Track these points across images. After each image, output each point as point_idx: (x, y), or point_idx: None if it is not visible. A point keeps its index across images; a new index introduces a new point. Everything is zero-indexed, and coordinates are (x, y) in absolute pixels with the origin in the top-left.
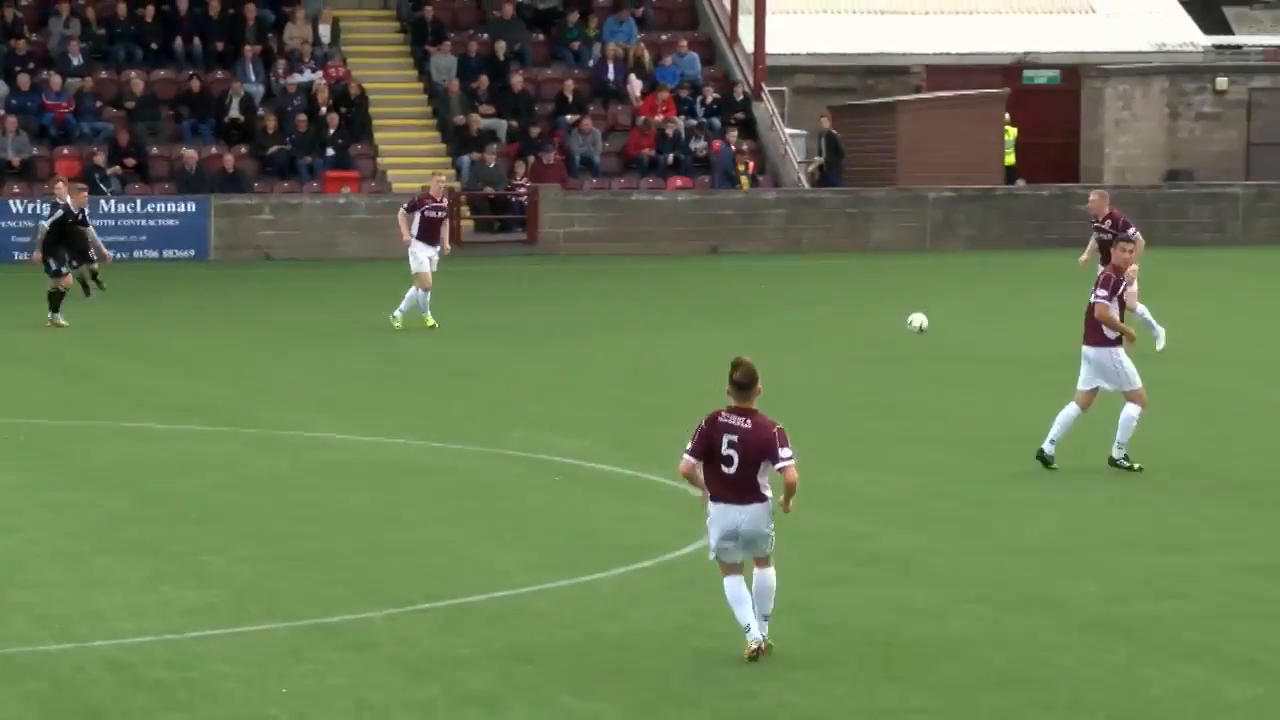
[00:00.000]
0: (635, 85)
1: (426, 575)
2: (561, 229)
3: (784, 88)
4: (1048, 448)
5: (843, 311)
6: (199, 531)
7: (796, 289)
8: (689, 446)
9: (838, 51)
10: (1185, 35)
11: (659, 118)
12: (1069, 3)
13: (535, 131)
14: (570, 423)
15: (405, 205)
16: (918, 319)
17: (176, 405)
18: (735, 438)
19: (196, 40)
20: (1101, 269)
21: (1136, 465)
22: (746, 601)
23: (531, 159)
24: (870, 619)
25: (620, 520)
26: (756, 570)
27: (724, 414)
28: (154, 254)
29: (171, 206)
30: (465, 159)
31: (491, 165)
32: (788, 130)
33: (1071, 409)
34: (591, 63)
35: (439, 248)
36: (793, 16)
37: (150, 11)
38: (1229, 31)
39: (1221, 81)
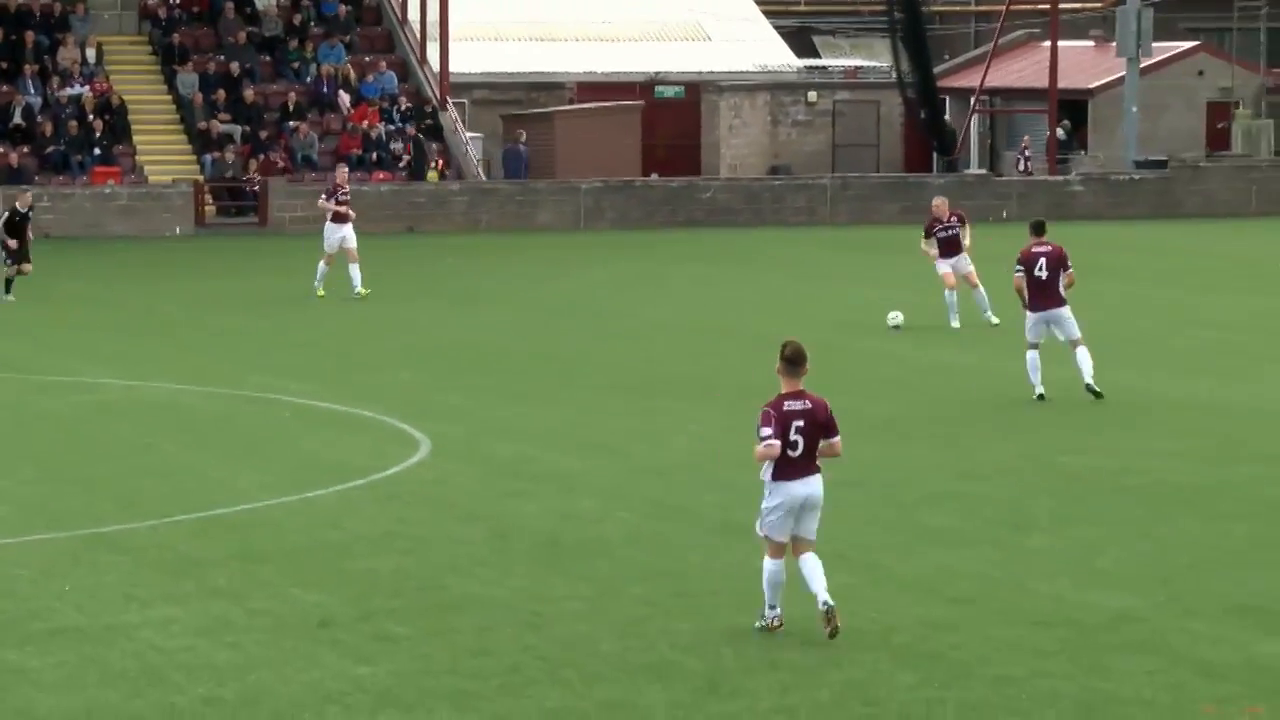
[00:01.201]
0: (345, 98)
1: (180, 493)
2: (287, 213)
3: (464, 100)
4: (1039, 389)
5: (513, 278)
6: None
7: (477, 262)
8: (768, 432)
9: (507, 71)
10: (783, 58)
11: (364, 124)
12: (691, 32)
13: (264, 135)
14: (297, 370)
15: (324, 194)
16: (895, 316)
17: None
18: (801, 422)
19: None
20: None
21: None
22: (781, 585)
23: (262, 157)
24: (540, 525)
25: (337, 447)
26: (806, 556)
27: (786, 401)
28: None
29: None
30: (208, 157)
31: (230, 162)
32: (468, 134)
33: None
34: (309, 79)
35: (349, 225)
36: (471, 43)
37: None
38: (818, 55)
39: (812, 95)
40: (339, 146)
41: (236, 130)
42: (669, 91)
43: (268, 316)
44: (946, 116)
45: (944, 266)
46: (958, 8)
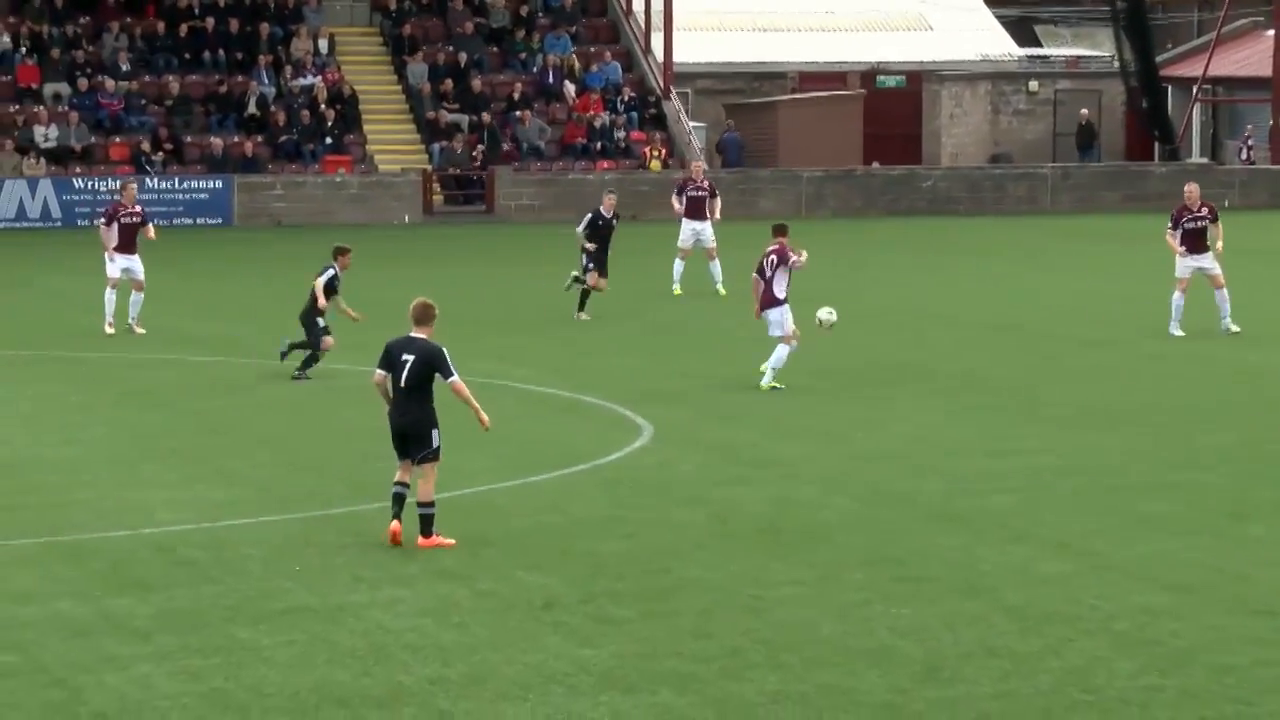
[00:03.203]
0: (570, 87)
1: None
2: (513, 201)
3: (688, 89)
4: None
5: (733, 264)
6: (225, 442)
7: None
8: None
9: (730, 60)
10: (1004, 48)
11: (589, 113)
12: (911, 22)
13: (491, 124)
14: (522, 356)
15: (674, 190)
16: (824, 313)
17: (206, 341)
18: None
19: (221, 51)
20: None
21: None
22: None
23: (488, 145)
24: (760, 510)
25: (559, 432)
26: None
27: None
28: (189, 221)
29: (202, 184)
30: (436, 146)
31: (458, 151)
32: (691, 123)
33: None
34: (535, 70)
35: (704, 222)
36: (695, 33)
37: (184, 29)
38: (1039, 44)
39: (1033, 84)
40: (564, 135)
41: (464, 120)
42: (890, 81)
43: (495, 303)
44: (1169, 106)
45: (1184, 269)
46: None
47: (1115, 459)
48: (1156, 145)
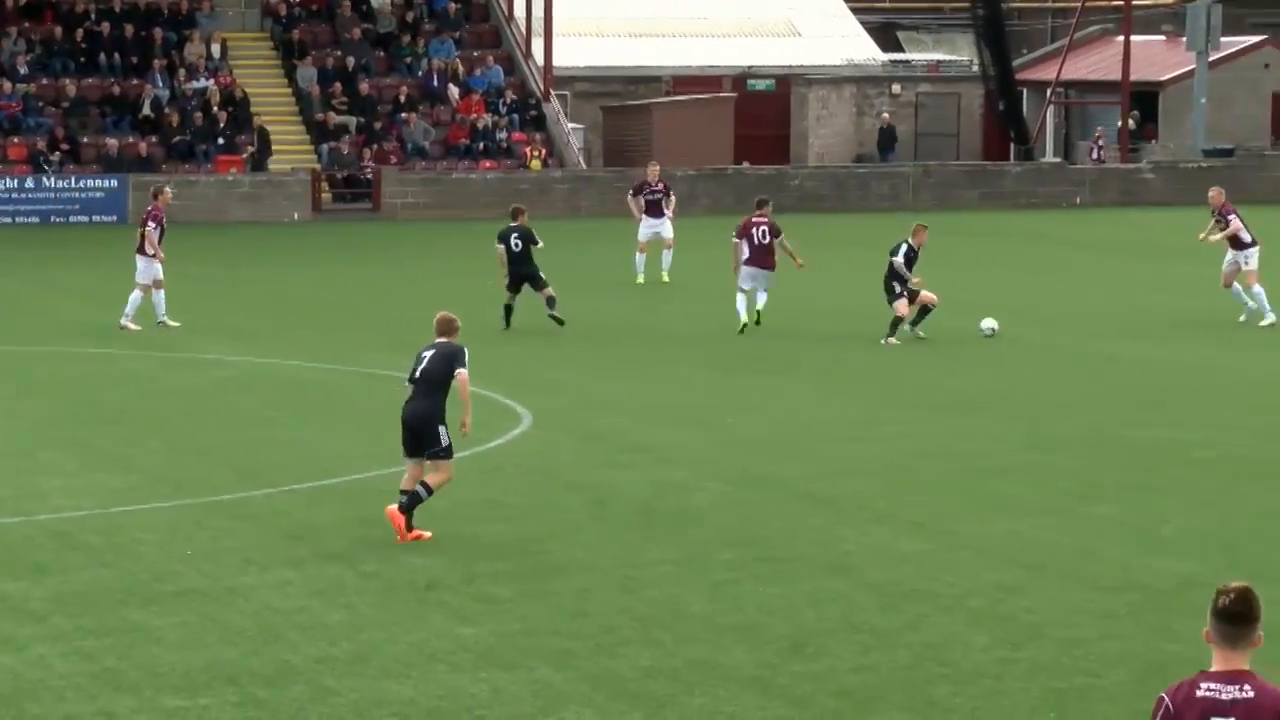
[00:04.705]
0: (454, 91)
1: (296, 463)
2: (399, 200)
3: (567, 92)
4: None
5: (612, 261)
6: (120, 431)
7: (577, 247)
8: None
9: (608, 64)
10: (869, 52)
11: (472, 115)
12: (781, 28)
13: (378, 126)
14: (409, 346)
15: (631, 190)
16: (988, 323)
17: (102, 334)
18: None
19: (116, 55)
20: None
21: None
22: None
23: (375, 146)
24: (635, 494)
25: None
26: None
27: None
28: (85, 219)
29: (98, 183)
30: (325, 147)
31: (345, 152)
32: (569, 124)
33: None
34: (420, 73)
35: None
36: (574, 38)
37: (80, 33)
38: (902, 50)
39: (896, 88)
40: (448, 136)
41: (352, 121)
42: (760, 84)
43: (382, 297)
44: (1024, 108)
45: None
46: (1035, 4)
47: (972, 444)
48: (1012, 145)
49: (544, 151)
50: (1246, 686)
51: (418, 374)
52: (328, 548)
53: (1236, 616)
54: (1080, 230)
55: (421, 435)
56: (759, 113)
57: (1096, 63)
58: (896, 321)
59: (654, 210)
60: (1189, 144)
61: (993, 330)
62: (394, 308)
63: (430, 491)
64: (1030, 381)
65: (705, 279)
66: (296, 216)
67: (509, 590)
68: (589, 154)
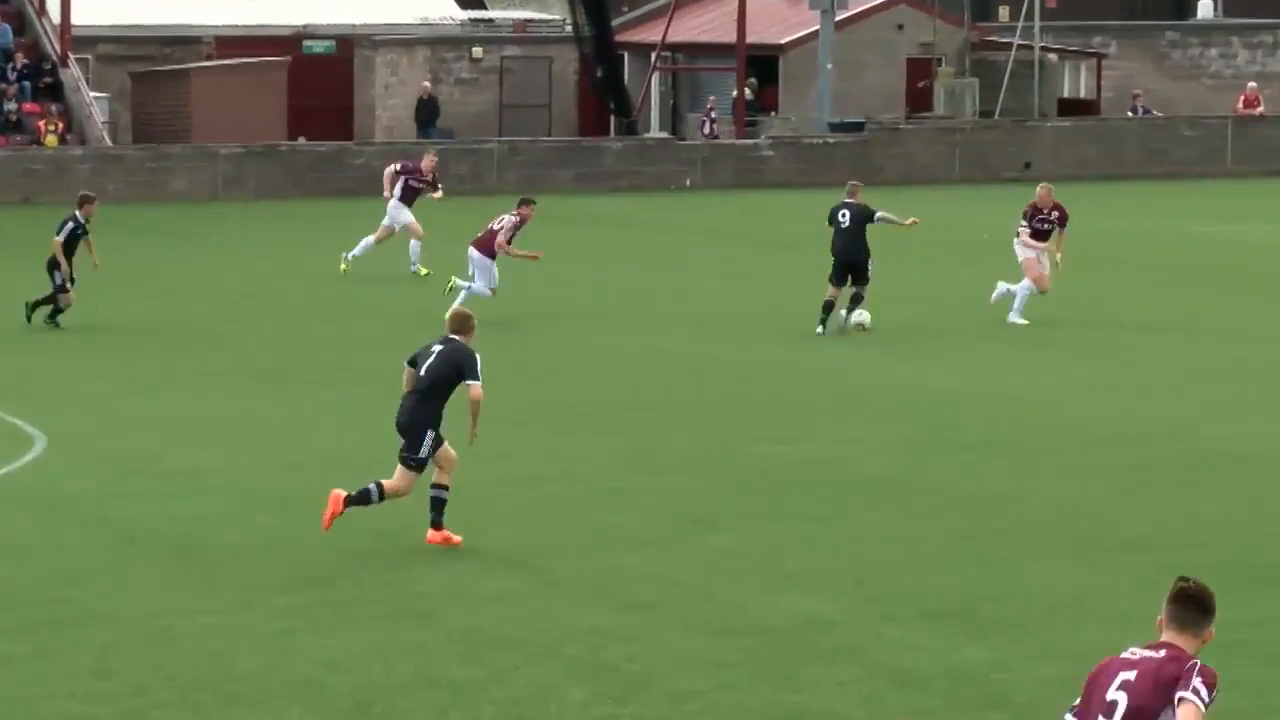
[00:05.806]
0: None
1: None
2: None
3: (88, 55)
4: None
5: (144, 255)
6: None
7: (103, 237)
8: None
9: (138, 23)
10: (445, 10)
11: None
12: None
13: None
14: None
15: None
16: (859, 317)
17: None
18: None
19: None
20: None
21: None
22: None
23: None
24: (169, 529)
25: None
26: None
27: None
28: None
29: None
30: None
31: None
32: (92, 93)
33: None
34: None
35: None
36: None
37: None
38: (483, 7)
39: (477, 50)
40: None
41: None
42: (319, 46)
43: None
44: (625, 75)
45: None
46: None
47: (568, 464)
48: (612, 118)
49: (61, 125)
50: (1163, 651)
51: (423, 370)
52: None
53: (1187, 600)
54: (691, 216)
55: (406, 438)
56: (317, 80)
57: (708, 22)
58: None
59: (411, 199)
60: (814, 116)
61: (861, 325)
62: None
63: (383, 495)
64: (635, 391)
65: (249, 276)
66: None
67: (18, 646)
68: (115, 128)
